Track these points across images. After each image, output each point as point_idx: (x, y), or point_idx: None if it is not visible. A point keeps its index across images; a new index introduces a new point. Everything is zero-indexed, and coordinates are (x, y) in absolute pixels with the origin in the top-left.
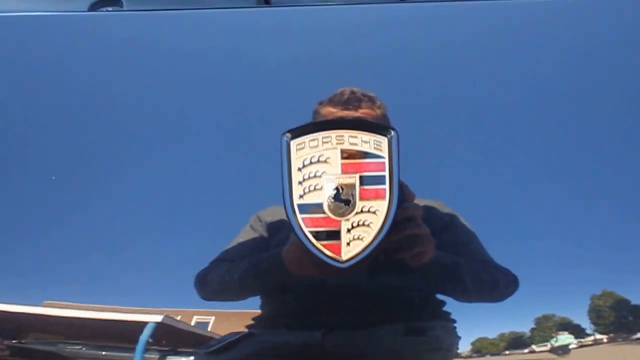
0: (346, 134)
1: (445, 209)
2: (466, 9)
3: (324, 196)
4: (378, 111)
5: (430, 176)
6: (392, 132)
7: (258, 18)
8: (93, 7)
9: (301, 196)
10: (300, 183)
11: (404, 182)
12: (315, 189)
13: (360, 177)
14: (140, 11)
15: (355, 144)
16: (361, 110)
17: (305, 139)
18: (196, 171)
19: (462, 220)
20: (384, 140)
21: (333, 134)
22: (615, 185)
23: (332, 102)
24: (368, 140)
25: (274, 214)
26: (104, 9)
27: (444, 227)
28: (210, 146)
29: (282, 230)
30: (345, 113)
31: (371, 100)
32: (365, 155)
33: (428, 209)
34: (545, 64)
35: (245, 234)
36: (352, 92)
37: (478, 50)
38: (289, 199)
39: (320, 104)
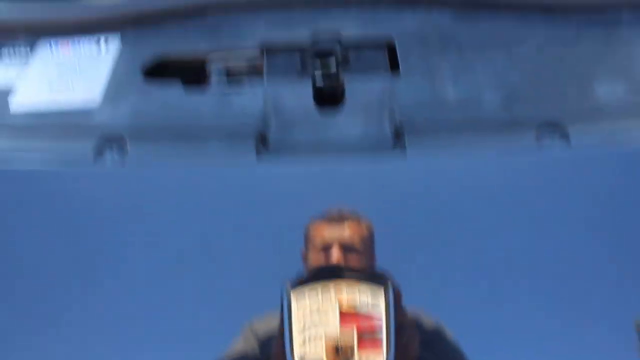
0: (344, 283)
1: (427, 319)
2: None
3: (323, 350)
4: (365, 230)
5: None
6: (389, 282)
7: (258, 166)
8: (98, 148)
9: (301, 345)
10: (300, 333)
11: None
12: (314, 340)
13: (358, 328)
14: (143, 155)
15: (353, 294)
16: (348, 226)
17: (305, 288)
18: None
19: (448, 334)
20: (380, 291)
21: (332, 284)
22: (613, 329)
23: (321, 220)
24: (365, 291)
25: (267, 325)
26: (109, 151)
27: (430, 338)
28: (209, 290)
29: (273, 343)
30: (333, 232)
31: (357, 219)
32: (362, 306)
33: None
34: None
35: (238, 347)
36: (339, 212)
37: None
38: (289, 349)
39: (311, 222)
